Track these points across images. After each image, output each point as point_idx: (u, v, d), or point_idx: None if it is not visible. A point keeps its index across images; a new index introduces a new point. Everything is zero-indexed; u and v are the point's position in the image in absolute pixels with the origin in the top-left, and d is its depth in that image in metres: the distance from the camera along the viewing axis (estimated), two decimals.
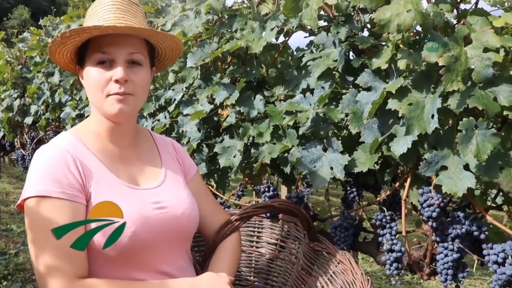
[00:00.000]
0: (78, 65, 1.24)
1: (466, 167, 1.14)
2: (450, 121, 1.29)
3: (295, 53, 1.79)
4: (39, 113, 3.51)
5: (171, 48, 1.29)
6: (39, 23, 3.55)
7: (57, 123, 3.54)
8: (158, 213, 1.18)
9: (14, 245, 4.86)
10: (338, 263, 1.40)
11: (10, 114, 3.83)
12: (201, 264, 1.36)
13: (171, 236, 1.21)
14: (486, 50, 1.06)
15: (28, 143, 3.99)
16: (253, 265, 1.66)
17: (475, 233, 1.23)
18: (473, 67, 1.06)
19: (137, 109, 1.24)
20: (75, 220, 1.07)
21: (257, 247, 1.67)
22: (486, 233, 1.22)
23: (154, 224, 1.15)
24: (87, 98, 2.87)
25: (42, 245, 1.05)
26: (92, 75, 1.16)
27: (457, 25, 1.18)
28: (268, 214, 1.65)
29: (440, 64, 1.05)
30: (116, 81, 1.13)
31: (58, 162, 1.10)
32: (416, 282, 4.54)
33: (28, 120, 3.68)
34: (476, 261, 1.25)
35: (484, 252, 1.21)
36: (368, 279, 1.28)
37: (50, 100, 3.27)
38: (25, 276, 4.04)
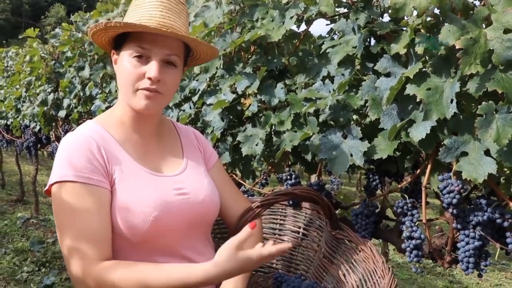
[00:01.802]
0: (114, 49, 1.27)
1: (487, 152, 1.11)
2: (473, 106, 1.26)
3: (316, 41, 1.78)
4: (71, 106, 3.62)
5: (206, 53, 1.32)
6: (70, 18, 3.65)
7: (89, 116, 3.64)
8: (179, 199, 1.21)
9: (52, 234, 5.05)
10: (360, 251, 1.40)
11: (45, 108, 3.96)
12: None
13: (192, 221, 1.23)
14: (507, 31, 1.03)
15: (62, 136, 4.13)
16: None
17: (498, 221, 1.20)
18: (493, 49, 1.03)
19: (163, 106, 1.27)
20: (100, 205, 1.11)
21: (280, 235, 1.69)
22: (510, 220, 1.20)
23: (175, 210, 1.19)
24: (116, 91, 2.94)
25: (68, 229, 1.09)
26: (126, 66, 1.18)
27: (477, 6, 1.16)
28: (291, 202, 1.66)
29: (457, 47, 1.03)
30: (149, 78, 1.16)
31: (84, 148, 1.14)
32: (449, 273, 4.45)
33: (62, 113, 3.80)
34: (498, 250, 1.23)
35: (508, 240, 1.19)
36: (389, 268, 1.27)
37: (81, 94, 3.37)
38: (61, 263, 4.18)
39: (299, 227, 1.65)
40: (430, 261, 1.36)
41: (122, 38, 1.21)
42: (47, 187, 1.15)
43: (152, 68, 1.15)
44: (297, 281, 1.40)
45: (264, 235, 1.66)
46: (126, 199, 1.14)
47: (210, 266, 1.05)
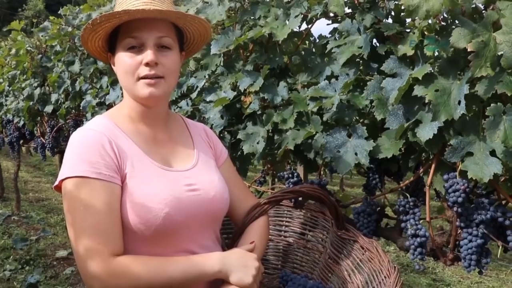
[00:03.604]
0: (109, 52, 1.27)
1: (492, 153, 1.14)
2: (474, 107, 1.29)
3: (317, 40, 1.80)
4: (59, 101, 3.56)
5: (199, 32, 1.32)
6: (58, 12, 3.58)
7: (77, 112, 3.59)
8: (190, 195, 1.21)
9: (35, 232, 4.96)
10: (365, 251, 1.41)
11: (31, 103, 3.88)
12: (229, 246, 1.39)
13: (203, 217, 1.24)
14: None
15: (48, 131, 4.05)
16: (281, 254, 1.68)
17: (500, 219, 1.24)
18: (502, 52, 1.06)
19: (168, 92, 1.26)
20: (112, 200, 1.11)
21: (285, 237, 1.69)
22: (511, 219, 1.23)
23: (186, 206, 1.19)
24: (107, 86, 2.90)
25: (80, 225, 1.08)
26: (123, 60, 1.19)
27: (484, 11, 1.19)
28: (293, 201, 1.67)
29: (469, 50, 1.06)
30: (147, 64, 1.17)
31: (95, 143, 1.13)
32: (432, 271, 4.54)
33: (48, 108, 3.74)
34: (500, 248, 1.26)
35: (509, 238, 1.22)
36: (395, 267, 1.28)
37: (70, 89, 3.31)
38: (46, 261, 4.12)
39: (304, 229, 1.65)
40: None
41: (113, 38, 1.23)
42: (57, 183, 1.14)
43: (147, 53, 1.16)
44: (303, 280, 1.41)
45: (269, 236, 1.67)
46: (137, 195, 1.13)
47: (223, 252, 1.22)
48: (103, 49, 1.28)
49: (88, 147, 1.13)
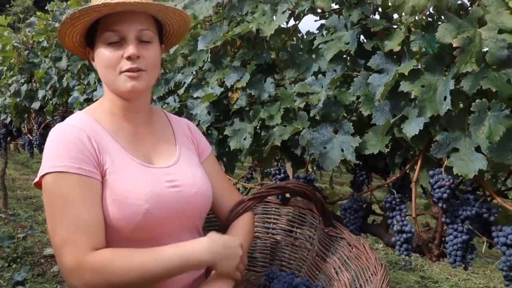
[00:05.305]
0: (88, 47, 1.25)
1: (478, 149, 1.15)
2: (461, 104, 1.30)
3: (305, 36, 1.79)
4: (46, 98, 3.52)
5: (179, 25, 1.31)
6: (46, 8, 3.54)
7: (64, 108, 3.55)
8: (171, 192, 1.19)
9: (22, 229, 4.91)
10: (352, 248, 1.40)
11: (18, 99, 3.84)
12: None
13: (184, 214, 1.22)
14: (501, 31, 1.06)
15: (35, 128, 4.01)
16: (268, 251, 1.68)
17: (485, 215, 1.24)
18: (487, 48, 1.06)
19: (150, 85, 1.25)
20: (92, 196, 1.09)
21: (273, 234, 1.68)
22: (496, 215, 1.23)
23: (167, 203, 1.17)
24: (95, 83, 2.88)
25: (59, 220, 1.07)
26: (103, 54, 1.17)
27: (470, 7, 1.19)
28: (280, 197, 1.66)
29: (454, 46, 1.06)
30: (128, 58, 1.15)
31: (74, 139, 1.12)
32: (420, 269, 4.56)
33: (36, 105, 3.70)
34: (485, 243, 1.27)
35: (493, 234, 1.22)
36: (382, 264, 1.28)
37: (57, 85, 3.28)
38: (33, 259, 4.08)
39: (292, 226, 1.65)
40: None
41: (92, 33, 1.20)
42: (37, 179, 1.12)
43: (128, 47, 1.15)
44: (288, 277, 1.40)
45: (257, 234, 1.66)
46: (117, 191, 1.12)
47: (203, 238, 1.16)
48: (81, 44, 1.26)
49: (67, 142, 1.11)
